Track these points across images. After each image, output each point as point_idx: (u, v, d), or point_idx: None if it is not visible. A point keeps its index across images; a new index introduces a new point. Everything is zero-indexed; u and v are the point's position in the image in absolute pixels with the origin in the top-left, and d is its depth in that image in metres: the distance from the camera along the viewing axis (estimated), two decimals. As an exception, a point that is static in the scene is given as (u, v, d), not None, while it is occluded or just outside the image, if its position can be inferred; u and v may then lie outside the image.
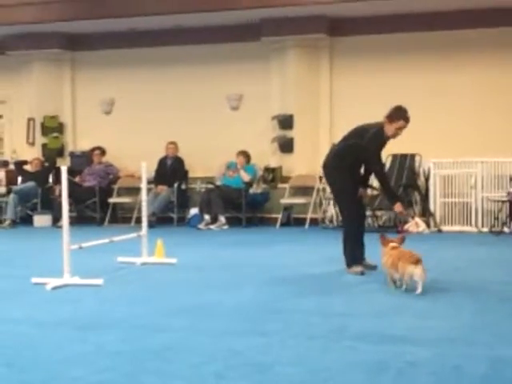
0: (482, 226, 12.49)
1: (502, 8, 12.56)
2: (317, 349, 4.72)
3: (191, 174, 14.38)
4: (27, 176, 14.77)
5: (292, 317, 5.68)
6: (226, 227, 13.21)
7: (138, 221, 10.80)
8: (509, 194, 11.97)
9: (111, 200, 14.44)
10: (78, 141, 15.41)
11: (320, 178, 13.21)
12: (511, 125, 12.88)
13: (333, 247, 10.12)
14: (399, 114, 8.04)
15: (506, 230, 11.88)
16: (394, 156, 13.14)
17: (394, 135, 8.02)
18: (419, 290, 6.45)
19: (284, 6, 12.69)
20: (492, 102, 13.05)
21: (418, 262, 6.44)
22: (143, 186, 9.09)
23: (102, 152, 14.69)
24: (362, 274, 7.74)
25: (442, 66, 13.32)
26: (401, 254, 6.71)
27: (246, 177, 13.57)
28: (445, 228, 12.58)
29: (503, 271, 8.11)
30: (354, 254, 7.95)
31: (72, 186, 11.97)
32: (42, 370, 4.32)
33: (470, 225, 12.62)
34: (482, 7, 12.62)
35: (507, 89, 12.96)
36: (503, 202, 12.08)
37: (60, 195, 7.70)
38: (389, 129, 7.98)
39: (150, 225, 10.71)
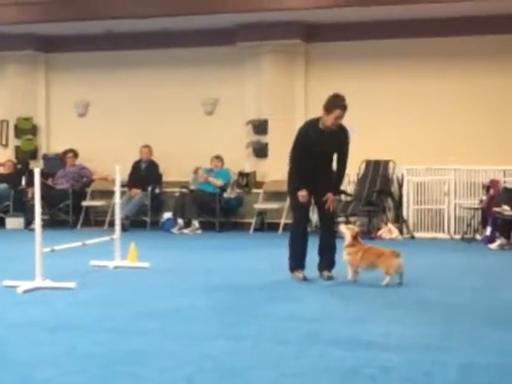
0: (455, 233, 12.56)
1: (478, 16, 12.64)
2: (289, 354, 4.72)
3: (165, 178, 14.34)
4: (0, 178, 14.65)
5: (265, 321, 5.68)
6: (199, 232, 13.19)
7: (112, 224, 10.74)
8: (481, 201, 12.05)
9: (84, 203, 14.35)
10: (52, 143, 15.31)
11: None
12: (484, 132, 12.97)
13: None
14: (335, 103, 7.88)
15: (478, 237, 11.94)
16: (368, 162, 13.19)
17: (334, 124, 7.85)
18: (386, 282, 7.22)
19: (260, 11, 12.70)
20: (466, 109, 13.14)
21: (399, 255, 7.27)
22: (117, 189, 9.06)
23: (75, 154, 14.61)
24: (305, 279, 7.76)
25: (415, 73, 13.40)
26: (377, 251, 7.47)
27: (217, 182, 13.53)
28: (417, 234, 12.64)
29: (475, 278, 8.16)
30: (296, 259, 7.90)
31: (45, 188, 11.90)
32: (12, 371, 4.29)
33: (443, 232, 12.69)
34: (457, 15, 12.70)
35: (481, 96, 13.06)
36: (475, 209, 12.17)
37: (33, 198, 7.64)
38: (327, 119, 7.87)
39: (123, 228, 10.68)
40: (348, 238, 7.62)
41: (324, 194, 7.88)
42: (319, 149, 7.84)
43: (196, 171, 13.74)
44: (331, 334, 5.28)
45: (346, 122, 8.15)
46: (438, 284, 7.61)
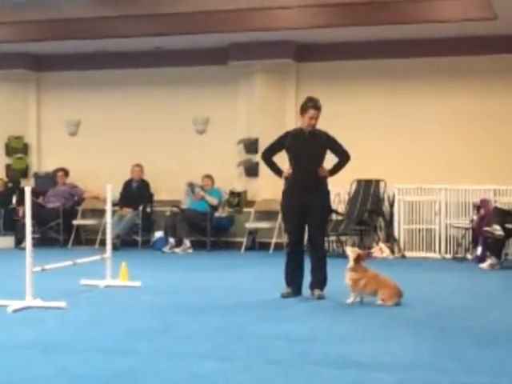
0: (446, 253, 12.58)
1: (468, 37, 12.73)
2: (279, 373, 4.71)
3: (156, 197, 14.34)
4: (-10, 197, 14.63)
5: (255, 341, 5.67)
6: (190, 251, 13.18)
7: (103, 243, 10.73)
8: (472, 221, 12.08)
9: (75, 222, 14.32)
10: (43, 162, 15.30)
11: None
12: (475, 152, 13.03)
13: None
14: (308, 104, 8.15)
15: (468, 256, 11.96)
16: (359, 182, 13.22)
17: (309, 125, 8.09)
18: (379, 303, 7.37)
19: (252, 31, 12.74)
20: (457, 129, 13.19)
21: (402, 295, 7.40)
22: (108, 208, 9.06)
23: (66, 173, 14.60)
24: (283, 296, 7.87)
25: (407, 93, 13.46)
26: (383, 282, 7.48)
27: (212, 200, 13.56)
28: (408, 254, 12.65)
29: (465, 297, 8.18)
30: (286, 276, 8.06)
31: (36, 207, 11.89)
32: (2, 393, 4.27)
33: (434, 251, 12.70)
34: (448, 35, 12.78)
35: (472, 117, 13.12)
36: (466, 228, 12.19)
37: (23, 216, 7.64)
38: (303, 122, 8.15)
39: (115, 247, 10.65)
40: (351, 261, 7.60)
41: (316, 212, 7.94)
42: (301, 150, 8.12)
43: (190, 184, 13.74)
44: (322, 353, 5.27)
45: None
46: (429, 303, 7.61)
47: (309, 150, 8.12)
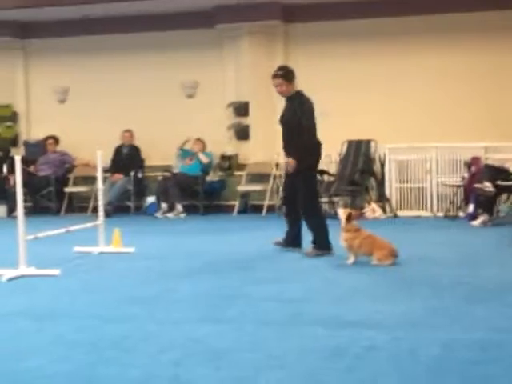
0: (438, 211, 12.63)
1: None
2: (274, 335, 4.75)
3: (147, 163, 14.32)
4: (-19, 166, 14.59)
5: (249, 303, 5.70)
6: (183, 215, 13.20)
7: (95, 210, 10.73)
8: (463, 178, 12.11)
9: (67, 189, 14.32)
10: (33, 130, 15.24)
11: (277, 164, 13.26)
12: (465, 110, 13.03)
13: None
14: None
15: (460, 214, 12.01)
16: (350, 142, 13.22)
17: (278, 93, 8.47)
18: (375, 263, 7.39)
19: (238, -8, 12.69)
20: (447, 87, 13.18)
21: (397, 256, 7.41)
22: (99, 174, 9.04)
23: (56, 141, 14.55)
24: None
25: (396, 52, 13.42)
26: (377, 243, 7.48)
27: (204, 159, 13.56)
28: (401, 213, 12.70)
29: (458, 255, 8.22)
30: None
31: (27, 175, 11.88)
32: (-2, 361, 4.29)
33: (426, 209, 12.75)
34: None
35: (462, 75, 13.11)
36: (458, 186, 12.22)
37: (14, 185, 7.61)
38: None
39: (107, 214, 10.66)
40: (342, 221, 7.61)
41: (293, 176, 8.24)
42: (281, 117, 8.42)
43: (184, 143, 13.72)
44: (315, 314, 5.30)
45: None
46: (422, 262, 7.65)
47: (284, 117, 8.35)
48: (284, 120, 8.30)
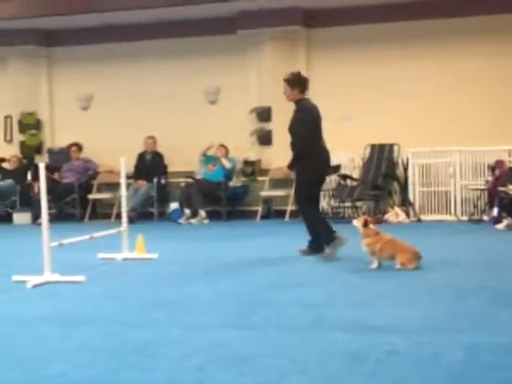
0: (462, 215, 12.58)
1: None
2: (296, 340, 4.75)
3: (170, 169, 14.37)
4: (5, 174, 14.72)
5: (272, 309, 5.70)
6: (206, 221, 13.23)
7: (118, 216, 10.79)
8: (487, 182, 12.05)
9: (91, 196, 14.41)
10: (57, 137, 15.36)
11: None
12: (488, 113, 12.98)
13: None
14: None
15: (484, 218, 11.95)
16: (373, 146, 13.21)
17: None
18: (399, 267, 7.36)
19: (260, -2, 12.72)
20: (470, 91, 13.14)
21: (421, 257, 7.35)
22: (122, 181, 9.09)
23: (79, 148, 14.65)
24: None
25: (419, 56, 13.39)
26: (399, 247, 7.46)
27: (227, 164, 13.59)
28: (424, 217, 12.67)
29: (482, 259, 8.18)
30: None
31: (51, 182, 11.97)
32: (22, 367, 4.31)
33: (449, 213, 12.71)
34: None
35: (485, 78, 13.05)
36: (481, 190, 12.17)
37: (39, 192, 7.66)
38: None
39: (130, 220, 10.72)
40: (360, 228, 7.60)
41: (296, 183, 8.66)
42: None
43: (208, 149, 13.77)
44: (337, 319, 5.30)
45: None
46: (445, 266, 7.62)
47: (290, 122, 8.49)
48: (288, 127, 8.50)
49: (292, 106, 8.57)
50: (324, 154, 8.45)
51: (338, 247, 8.18)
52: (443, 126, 13.06)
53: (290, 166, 8.44)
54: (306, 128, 8.24)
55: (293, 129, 8.35)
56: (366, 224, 7.59)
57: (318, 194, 8.66)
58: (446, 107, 13.17)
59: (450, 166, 12.71)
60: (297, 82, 8.40)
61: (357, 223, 7.69)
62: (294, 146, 8.34)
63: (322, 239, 8.29)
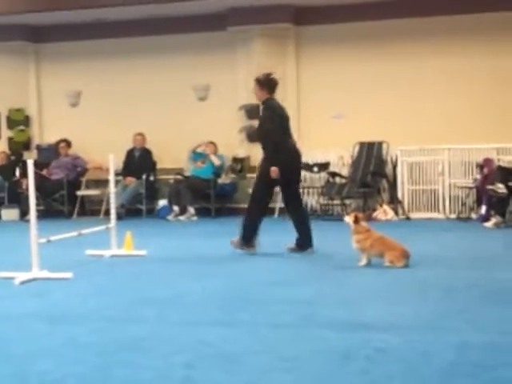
0: (450, 213, 12.59)
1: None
2: (285, 337, 4.74)
3: (159, 165, 14.34)
4: (-6, 170, 14.65)
5: (260, 306, 5.69)
6: (195, 218, 13.20)
7: (107, 213, 10.76)
8: (475, 180, 12.08)
9: (79, 192, 14.36)
10: (45, 133, 15.29)
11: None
12: (477, 112, 12.99)
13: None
14: None
15: (473, 216, 11.98)
16: (362, 144, 13.21)
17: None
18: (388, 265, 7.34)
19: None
20: (458, 89, 13.14)
21: (409, 256, 7.36)
22: (111, 178, 9.06)
23: (68, 144, 14.59)
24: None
25: (407, 54, 13.39)
26: (388, 244, 7.45)
27: (216, 161, 13.57)
28: (413, 215, 12.67)
29: (471, 257, 8.19)
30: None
31: (39, 179, 11.92)
32: (9, 363, 4.30)
33: (438, 211, 12.72)
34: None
35: (473, 76, 13.06)
36: (470, 188, 12.19)
37: (27, 189, 7.63)
38: None
39: (119, 217, 10.67)
40: (351, 224, 7.60)
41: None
42: None
43: (197, 146, 13.74)
44: (326, 316, 5.29)
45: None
46: (434, 264, 7.62)
47: (259, 121, 8.85)
48: (257, 127, 8.89)
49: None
50: (294, 153, 8.61)
51: (243, 250, 8.54)
52: (432, 124, 13.07)
53: (273, 164, 8.38)
54: (275, 125, 8.40)
55: (263, 127, 8.58)
56: (356, 220, 7.58)
57: (272, 192, 8.98)
58: (435, 105, 13.18)
59: (438, 164, 12.73)
60: (266, 83, 8.65)
61: (348, 219, 7.69)
62: (267, 143, 8.51)
63: (248, 232, 8.58)
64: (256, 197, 8.72)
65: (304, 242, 8.46)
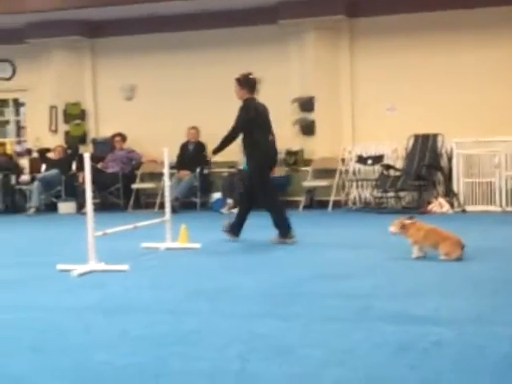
0: (507, 205, 12.43)
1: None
2: (339, 330, 4.74)
3: (213, 159, 14.35)
4: (50, 163, 14.88)
5: (314, 299, 5.69)
6: (248, 211, 13.21)
7: (162, 206, 10.84)
8: (532, 172, 11.91)
9: (134, 186, 14.51)
10: (101, 127, 15.48)
11: (343, 159, 13.24)
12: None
13: (355, 229, 10.17)
14: None
15: (530, 208, 11.82)
16: (417, 136, 13.11)
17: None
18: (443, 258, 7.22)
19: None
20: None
21: (464, 246, 7.22)
22: (166, 171, 9.15)
23: (123, 138, 14.76)
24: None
25: (463, 45, 13.25)
26: (442, 234, 7.35)
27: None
28: (469, 208, 12.54)
29: (527, 250, 8.09)
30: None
31: (95, 172, 12.03)
32: (69, 355, 4.36)
33: (494, 204, 12.56)
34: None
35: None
36: (527, 180, 12.03)
37: (83, 182, 7.74)
38: None
39: (174, 210, 10.76)
40: (401, 231, 7.49)
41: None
42: None
43: None
44: (381, 309, 5.27)
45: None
46: (489, 257, 7.54)
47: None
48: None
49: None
50: (270, 150, 9.18)
51: (287, 243, 8.74)
52: (488, 116, 12.91)
53: (215, 151, 9.24)
54: (240, 125, 8.98)
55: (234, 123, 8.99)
56: (403, 227, 7.47)
57: (271, 180, 9.33)
58: (491, 97, 13.02)
59: (494, 156, 12.57)
60: (245, 83, 9.08)
61: (393, 229, 7.54)
62: (226, 138, 9.15)
63: (282, 225, 8.89)
64: (265, 193, 9.00)
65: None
